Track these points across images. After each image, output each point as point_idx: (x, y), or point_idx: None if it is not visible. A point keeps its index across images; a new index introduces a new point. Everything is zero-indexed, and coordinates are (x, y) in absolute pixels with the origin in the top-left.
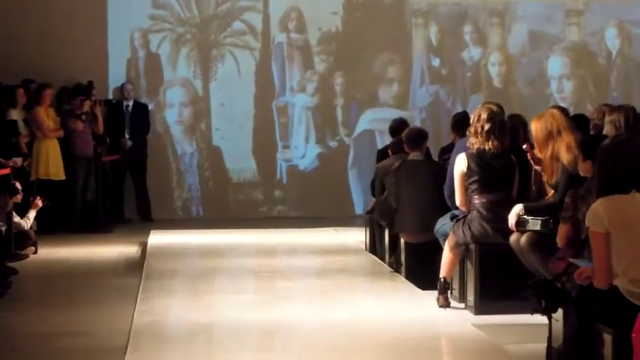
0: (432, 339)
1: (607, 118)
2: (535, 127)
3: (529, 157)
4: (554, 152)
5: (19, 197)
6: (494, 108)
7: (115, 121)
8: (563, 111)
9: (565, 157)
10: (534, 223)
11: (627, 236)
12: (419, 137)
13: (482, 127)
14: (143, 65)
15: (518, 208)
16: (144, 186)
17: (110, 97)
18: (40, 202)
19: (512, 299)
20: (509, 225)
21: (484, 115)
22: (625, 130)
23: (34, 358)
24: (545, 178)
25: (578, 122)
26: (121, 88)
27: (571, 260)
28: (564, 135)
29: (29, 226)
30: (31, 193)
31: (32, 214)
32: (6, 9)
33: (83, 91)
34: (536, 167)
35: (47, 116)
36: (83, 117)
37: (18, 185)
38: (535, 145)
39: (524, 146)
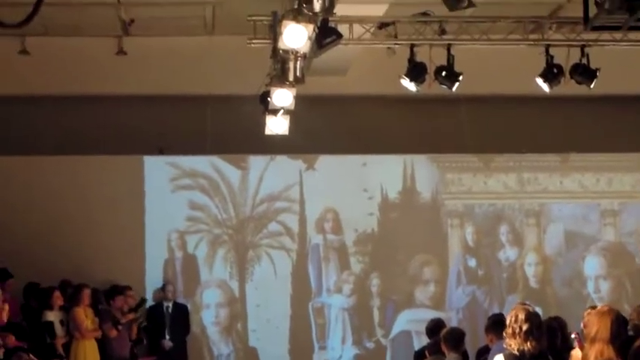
0: None
1: None
2: (587, 318)
3: (576, 344)
4: (586, 354)
5: None
6: (531, 309)
7: (155, 322)
8: (617, 319)
9: None
10: None
11: None
12: (458, 338)
13: (521, 328)
14: (180, 266)
15: None
16: None
17: (147, 297)
18: None
19: None
20: None
21: (521, 316)
22: None
23: None
24: None
25: None
26: (163, 289)
27: None
28: (597, 344)
29: None
30: None
31: None
32: (45, 215)
33: (120, 292)
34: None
35: (85, 316)
36: (120, 327)
37: None
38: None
39: (573, 335)
